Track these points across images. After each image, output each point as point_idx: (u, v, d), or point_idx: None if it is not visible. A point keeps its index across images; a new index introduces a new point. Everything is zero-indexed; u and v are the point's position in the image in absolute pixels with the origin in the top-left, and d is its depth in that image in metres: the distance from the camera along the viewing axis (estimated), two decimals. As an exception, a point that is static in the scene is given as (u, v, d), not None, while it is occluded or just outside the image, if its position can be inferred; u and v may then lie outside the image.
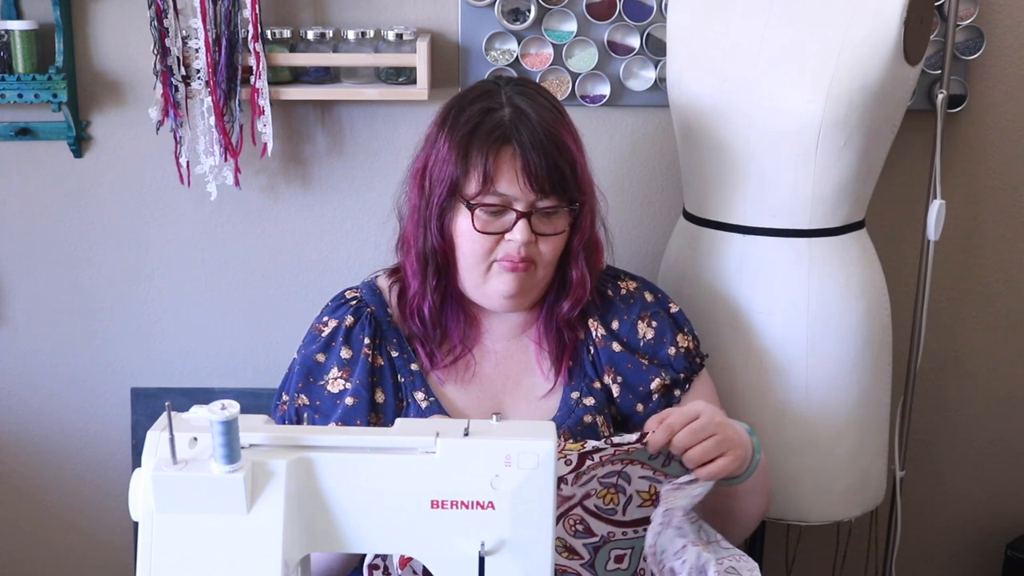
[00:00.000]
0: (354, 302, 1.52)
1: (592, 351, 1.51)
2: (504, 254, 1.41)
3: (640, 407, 1.50)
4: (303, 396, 1.47)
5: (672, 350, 1.52)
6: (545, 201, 1.40)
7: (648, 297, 1.55)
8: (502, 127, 1.39)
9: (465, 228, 1.41)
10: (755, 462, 1.37)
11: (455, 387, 1.49)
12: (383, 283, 1.55)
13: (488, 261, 1.42)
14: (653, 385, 1.49)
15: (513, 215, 1.39)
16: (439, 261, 1.45)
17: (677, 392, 1.51)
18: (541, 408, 1.48)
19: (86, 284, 2.06)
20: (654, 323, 1.53)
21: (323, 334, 1.49)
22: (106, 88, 1.96)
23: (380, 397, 1.46)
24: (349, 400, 1.44)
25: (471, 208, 1.40)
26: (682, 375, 1.51)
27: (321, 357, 1.48)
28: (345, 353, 1.47)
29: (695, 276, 1.77)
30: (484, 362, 1.50)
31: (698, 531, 1.31)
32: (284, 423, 1.48)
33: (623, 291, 1.55)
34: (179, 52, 1.82)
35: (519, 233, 1.39)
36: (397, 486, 1.03)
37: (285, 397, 1.50)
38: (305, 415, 1.46)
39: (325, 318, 1.51)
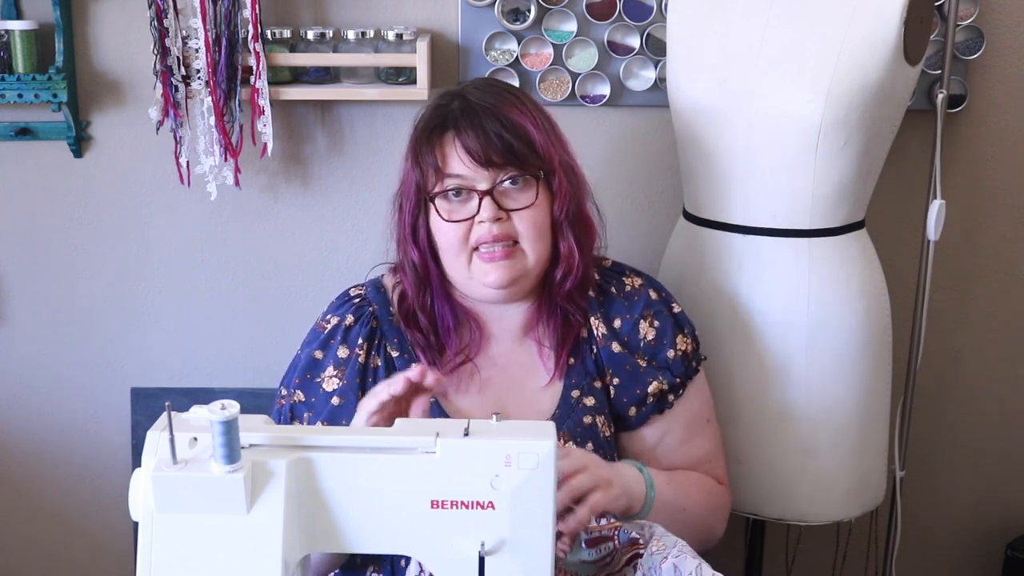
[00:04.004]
0: (357, 300, 1.52)
1: (595, 350, 1.51)
2: (478, 239, 1.41)
3: (633, 411, 1.49)
4: (299, 392, 1.48)
5: (671, 352, 1.51)
6: (502, 174, 1.40)
7: (652, 295, 1.54)
8: (442, 117, 1.42)
9: (437, 224, 1.43)
10: (650, 499, 1.39)
11: (456, 391, 1.48)
12: (388, 281, 1.55)
13: (466, 250, 1.42)
14: (650, 388, 1.49)
15: (476, 197, 1.40)
16: (421, 274, 1.46)
17: (671, 398, 1.51)
18: (540, 398, 1.48)
19: (86, 284, 2.06)
20: (656, 323, 1.52)
21: (324, 331, 1.50)
22: (106, 88, 1.96)
23: None
24: (335, 400, 1.45)
25: (432, 200, 1.42)
26: (678, 379, 1.51)
27: (319, 354, 1.49)
28: (342, 352, 1.47)
29: (695, 276, 1.77)
30: (486, 368, 1.49)
31: None
32: (280, 419, 1.49)
33: (627, 287, 1.54)
34: (179, 52, 1.82)
35: (484, 211, 1.40)
36: (397, 486, 1.03)
37: (284, 392, 1.51)
38: (301, 412, 1.47)
39: (328, 315, 1.52)
